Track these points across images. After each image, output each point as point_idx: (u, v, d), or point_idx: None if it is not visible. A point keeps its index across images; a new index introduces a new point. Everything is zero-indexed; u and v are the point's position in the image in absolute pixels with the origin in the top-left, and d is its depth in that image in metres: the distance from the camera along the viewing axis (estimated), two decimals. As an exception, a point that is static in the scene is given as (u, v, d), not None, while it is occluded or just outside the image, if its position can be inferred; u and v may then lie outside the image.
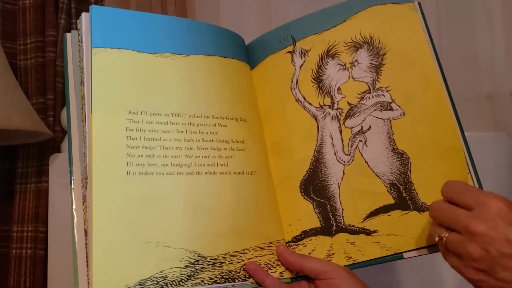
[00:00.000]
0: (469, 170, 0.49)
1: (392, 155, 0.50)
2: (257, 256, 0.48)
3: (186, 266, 0.44)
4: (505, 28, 0.87)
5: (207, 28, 0.54)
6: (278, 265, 0.49)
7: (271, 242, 0.50)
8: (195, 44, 0.52)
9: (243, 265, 0.47)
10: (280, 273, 0.49)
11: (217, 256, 0.46)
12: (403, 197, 0.49)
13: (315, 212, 0.51)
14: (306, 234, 0.50)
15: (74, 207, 0.45)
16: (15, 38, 0.96)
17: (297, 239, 0.51)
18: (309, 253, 0.50)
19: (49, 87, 0.93)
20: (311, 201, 0.51)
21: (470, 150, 0.49)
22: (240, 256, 0.47)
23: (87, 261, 0.42)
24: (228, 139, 0.51)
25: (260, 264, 0.48)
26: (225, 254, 0.46)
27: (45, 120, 0.92)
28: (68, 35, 0.50)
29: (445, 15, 0.92)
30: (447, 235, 0.41)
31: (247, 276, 0.47)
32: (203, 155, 0.48)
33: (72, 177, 0.46)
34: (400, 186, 0.49)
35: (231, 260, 0.46)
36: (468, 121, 0.90)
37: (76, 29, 0.49)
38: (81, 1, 0.98)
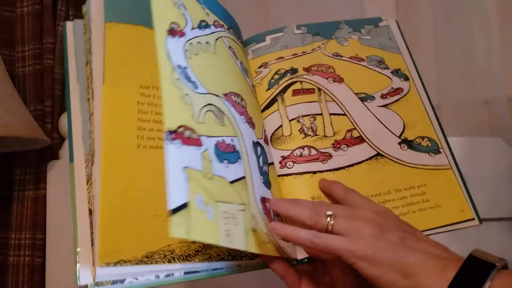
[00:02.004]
0: None
1: None
2: None
3: (194, 242, 0.43)
4: (501, 34, 0.88)
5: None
6: None
7: None
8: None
9: None
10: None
11: None
12: None
13: None
14: None
15: (76, 188, 0.44)
16: (13, 45, 0.96)
17: None
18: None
19: (47, 94, 0.93)
20: None
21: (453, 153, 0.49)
22: None
23: (91, 239, 0.42)
24: None
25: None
26: None
27: (43, 127, 0.92)
28: (69, 23, 0.50)
29: (442, 21, 0.93)
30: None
31: (254, 255, 0.46)
32: None
33: (73, 157, 0.45)
34: None
35: None
36: (465, 126, 0.91)
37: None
38: (79, 8, 0.99)
